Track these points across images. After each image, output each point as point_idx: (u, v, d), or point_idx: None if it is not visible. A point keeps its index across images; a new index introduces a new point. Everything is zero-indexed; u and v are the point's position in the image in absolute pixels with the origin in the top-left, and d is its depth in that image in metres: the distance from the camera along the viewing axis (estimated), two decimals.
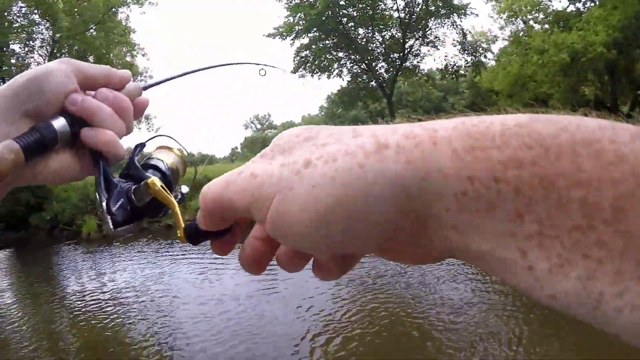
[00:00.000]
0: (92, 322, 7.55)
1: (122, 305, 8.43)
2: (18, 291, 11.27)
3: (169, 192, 0.54)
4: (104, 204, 0.56)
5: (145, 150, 0.68)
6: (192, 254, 12.88)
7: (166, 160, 0.65)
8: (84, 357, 6.56)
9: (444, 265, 8.22)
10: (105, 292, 9.42)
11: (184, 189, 0.68)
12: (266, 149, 0.38)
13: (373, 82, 20.64)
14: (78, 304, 8.76)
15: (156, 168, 0.62)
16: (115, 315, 7.84)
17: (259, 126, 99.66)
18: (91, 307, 8.43)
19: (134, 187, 0.56)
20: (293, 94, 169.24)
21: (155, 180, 0.53)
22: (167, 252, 13.62)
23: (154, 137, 0.71)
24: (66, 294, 9.91)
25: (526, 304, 5.95)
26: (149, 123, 24.29)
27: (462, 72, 21.93)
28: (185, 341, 6.43)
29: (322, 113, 65.75)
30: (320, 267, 0.41)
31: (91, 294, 9.33)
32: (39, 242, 17.70)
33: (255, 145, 77.89)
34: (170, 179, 0.63)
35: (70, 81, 0.57)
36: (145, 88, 0.71)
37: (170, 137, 0.70)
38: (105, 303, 8.58)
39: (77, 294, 9.62)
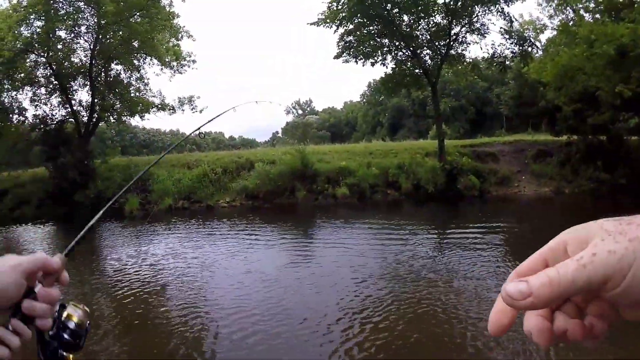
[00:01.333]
0: (133, 290, 8.17)
1: (160, 274, 9.19)
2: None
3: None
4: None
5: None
6: (229, 232, 13.60)
7: (74, 318, 0.96)
8: (123, 320, 7.03)
9: None
10: (145, 264, 10.22)
11: (78, 313, 0.97)
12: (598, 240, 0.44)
13: (417, 70, 20.60)
14: (119, 275, 9.48)
15: (68, 328, 0.94)
16: (154, 283, 8.55)
17: (300, 112, 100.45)
18: (131, 277, 9.11)
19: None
20: (335, 80, 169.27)
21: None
22: (205, 229, 14.36)
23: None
24: (108, 265, 10.80)
25: None
26: (192, 105, 24.87)
27: (508, 62, 21.52)
28: (218, 307, 7.04)
29: (364, 100, 65.62)
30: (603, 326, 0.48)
31: (132, 266, 10.12)
32: (84, 217, 18.63)
33: (296, 130, 78.40)
34: (79, 332, 0.95)
35: (21, 289, 0.82)
36: (67, 254, 1.03)
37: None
38: (145, 273, 9.32)
39: (119, 265, 10.45)
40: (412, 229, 12.17)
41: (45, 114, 23.30)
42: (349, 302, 6.81)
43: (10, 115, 23.33)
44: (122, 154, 41.21)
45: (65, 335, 0.93)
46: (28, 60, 20.88)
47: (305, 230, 13.70)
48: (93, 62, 22.14)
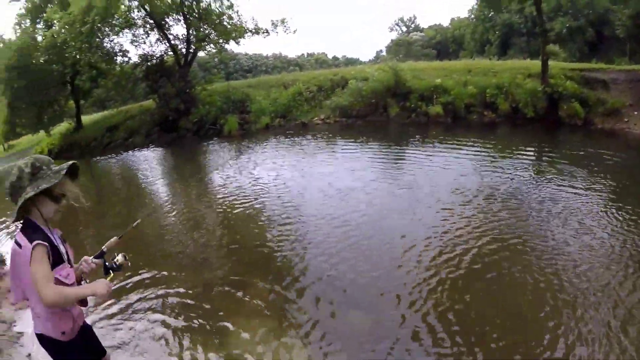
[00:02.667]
0: (234, 202, 9.42)
1: (258, 188, 10.33)
2: (173, 178, 14.19)
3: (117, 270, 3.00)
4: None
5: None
6: (321, 148, 14.85)
7: (117, 258, 3.02)
8: (229, 229, 8.27)
9: None
10: (243, 178, 11.52)
11: (120, 257, 3.00)
12: None
13: None
14: (221, 188, 10.99)
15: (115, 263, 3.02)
16: (253, 196, 9.68)
17: (404, 29, 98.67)
18: (233, 189, 10.47)
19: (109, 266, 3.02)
20: None
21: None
22: (300, 148, 15.47)
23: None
24: (211, 181, 12.39)
25: None
26: (285, 26, 26.01)
27: None
28: (309, 220, 7.83)
29: (472, 16, 62.76)
30: None
31: (233, 180, 11.54)
32: (188, 140, 21.28)
33: (400, 48, 77.63)
34: (115, 266, 2.99)
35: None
36: (120, 237, 3.26)
37: None
38: (244, 187, 10.55)
39: (221, 180, 11.99)
40: (507, 155, 12.18)
41: (145, 52, 25.65)
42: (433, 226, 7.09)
43: (115, 58, 26.05)
44: (226, 79, 44.09)
45: (112, 265, 2.97)
46: (122, 6, 22.70)
47: (395, 148, 14.26)
48: None
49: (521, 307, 4.83)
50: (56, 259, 2.62)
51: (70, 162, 2.73)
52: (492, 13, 41.04)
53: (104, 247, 3.05)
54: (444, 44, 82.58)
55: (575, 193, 8.49)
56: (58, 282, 2.58)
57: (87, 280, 2.93)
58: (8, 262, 7.44)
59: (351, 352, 4.29)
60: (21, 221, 2.64)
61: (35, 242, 2.49)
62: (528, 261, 5.76)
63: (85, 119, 31.79)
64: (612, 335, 4.19)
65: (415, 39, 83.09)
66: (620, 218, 7.08)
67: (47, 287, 2.45)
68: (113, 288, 2.78)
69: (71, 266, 2.81)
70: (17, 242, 2.58)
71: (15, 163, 2.81)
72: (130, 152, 20.80)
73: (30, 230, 2.57)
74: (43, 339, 2.77)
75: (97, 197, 12.39)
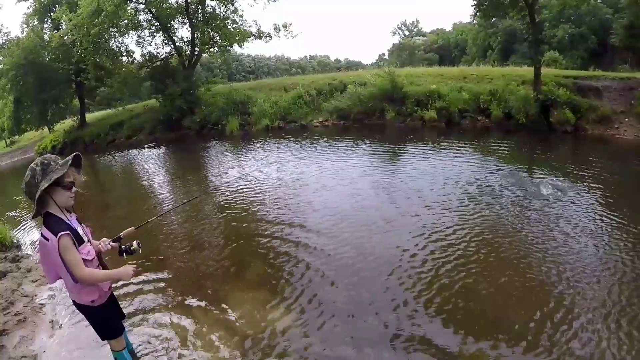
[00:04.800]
0: (234, 198, 10.08)
1: (258, 185, 10.96)
2: (175, 175, 14.93)
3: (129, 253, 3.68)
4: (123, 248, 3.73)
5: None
6: (319, 149, 15.44)
7: (133, 244, 3.69)
8: (220, 222, 8.73)
9: None
10: (244, 176, 12.21)
11: (135, 244, 3.67)
12: None
13: None
14: (221, 185, 11.67)
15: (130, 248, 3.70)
16: (252, 192, 10.33)
17: (406, 33, 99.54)
18: (233, 186, 11.14)
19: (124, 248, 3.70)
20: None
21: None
22: (297, 146, 16.22)
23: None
24: (212, 178, 13.18)
25: None
26: (287, 30, 26.87)
27: None
28: (307, 216, 8.31)
29: (474, 21, 63.47)
30: None
31: (234, 178, 12.25)
32: (191, 139, 22.23)
33: (402, 52, 78.27)
34: (130, 251, 3.67)
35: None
36: (137, 228, 4.05)
37: None
38: (244, 184, 11.19)
39: (221, 178, 12.77)
40: (496, 159, 12.65)
41: (150, 52, 26.75)
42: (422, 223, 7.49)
43: (120, 58, 27.11)
44: (229, 80, 44.85)
45: (127, 249, 3.65)
46: (129, 8, 23.51)
47: (390, 149, 14.88)
48: (188, 1, 24.71)
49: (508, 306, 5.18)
50: (78, 240, 3.13)
51: (74, 154, 3.19)
52: (494, 19, 41.34)
53: (121, 234, 3.76)
54: (447, 48, 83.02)
55: (562, 196, 8.92)
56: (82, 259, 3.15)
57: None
58: (24, 248, 8.29)
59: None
60: (40, 216, 3.10)
61: (60, 234, 2.96)
62: (516, 265, 6.07)
63: (90, 116, 32.73)
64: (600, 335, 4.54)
65: (417, 43, 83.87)
66: (608, 221, 7.49)
67: (81, 270, 3.06)
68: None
69: (90, 244, 3.37)
70: (43, 236, 3.07)
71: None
72: (133, 149, 21.65)
73: (52, 223, 3.04)
74: (77, 305, 3.42)
75: (102, 192, 13.09)
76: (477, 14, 21.48)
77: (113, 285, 3.79)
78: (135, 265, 3.41)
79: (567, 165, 11.90)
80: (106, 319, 3.55)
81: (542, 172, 10.97)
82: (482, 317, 4.94)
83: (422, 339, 4.52)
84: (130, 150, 21.57)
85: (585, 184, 9.80)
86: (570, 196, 8.89)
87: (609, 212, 7.93)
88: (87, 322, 3.63)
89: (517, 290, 5.42)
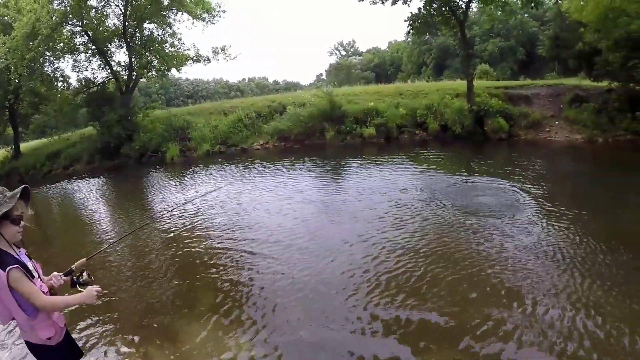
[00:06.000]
0: (178, 225, 10.04)
1: (200, 210, 10.99)
2: (115, 205, 14.62)
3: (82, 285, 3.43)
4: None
5: None
6: (261, 171, 15.47)
7: (83, 275, 3.49)
8: (166, 251, 8.48)
9: None
10: (187, 203, 12.10)
11: (85, 275, 3.49)
12: None
13: (444, 8, 20.64)
14: (164, 213, 11.56)
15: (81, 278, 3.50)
16: (197, 219, 10.30)
17: (343, 53, 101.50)
18: (176, 214, 11.01)
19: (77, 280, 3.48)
20: (378, 19, 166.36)
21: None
22: (238, 170, 16.28)
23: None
24: (154, 205, 13.07)
25: None
26: (225, 53, 26.87)
27: None
28: (253, 238, 8.41)
29: (408, 39, 65.51)
30: None
31: (176, 205, 12.15)
32: (130, 168, 21.74)
33: (340, 71, 79.64)
34: (81, 282, 3.45)
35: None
36: (88, 259, 3.75)
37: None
38: (187, 211, 11.11)
39: (163, 204, 12.65)
40: (434, 169, 13.19)
41: (86, 77, 26.00)
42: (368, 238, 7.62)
43: (55, 83, 26.17)
44: (167, 105, 44.06)
45: (78, 280, 3.44)
46: (65, 30, 23.02)
47: (331, 168, 15.19)
48: (126, 24, 24.24)
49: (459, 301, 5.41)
50: (27, 276, 2.94)
51: (23, 186, 3.02)
52: (428, 36, 42.74)
53: (72, 266, 3.55)
54: (383, 66, 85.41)
55: (502, 199, 9.42)
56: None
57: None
58: None
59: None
60: None
61: (8, 268, 2.81)
62: (460, 268, 6.27)
63: (25, 146, 31.29)
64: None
65: (354, 62, 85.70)
66: (550, 216, 8.05)
67: (40, 298, 2.92)
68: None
69: (41, 279, 3.19)
70: None
71: None
72: (71, 180, 20.79)
73: (0, 258, 2.87)
74: (32, 346, 3.20)
75: (43, 226, 12.66)
76: (411, 31, 22.19)
77: None
78: (98, 287, 3.24)
79: (503, 168, 12.67)
80: (62, 358, 3.35)
81: (480, 176, 11.61)
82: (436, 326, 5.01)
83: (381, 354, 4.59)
84: (68, 181, 20.79)
85: (521, 183, 10.51)
86: (508, 195, 9.54)
87: (547, 205, 8.66)
88: None
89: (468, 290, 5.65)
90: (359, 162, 15.26)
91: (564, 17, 22.62)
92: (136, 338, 5.36)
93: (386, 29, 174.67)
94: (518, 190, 9.91)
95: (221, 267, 7.17)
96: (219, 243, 8.36)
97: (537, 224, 7.68)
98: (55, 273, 3.45)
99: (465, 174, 12.33)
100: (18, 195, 2.94)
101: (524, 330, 4.67)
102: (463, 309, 5.20)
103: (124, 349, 5.17)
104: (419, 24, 21.25)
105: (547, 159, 14.37)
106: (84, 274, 3.51)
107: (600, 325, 4.65)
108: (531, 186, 10.21)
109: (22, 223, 3.03)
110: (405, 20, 21.24)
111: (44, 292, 3.03)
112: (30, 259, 3.19)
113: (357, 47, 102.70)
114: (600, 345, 4.35)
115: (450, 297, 5.46)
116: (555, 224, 7.64)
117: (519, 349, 4.40)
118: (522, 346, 4.43)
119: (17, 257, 2.98)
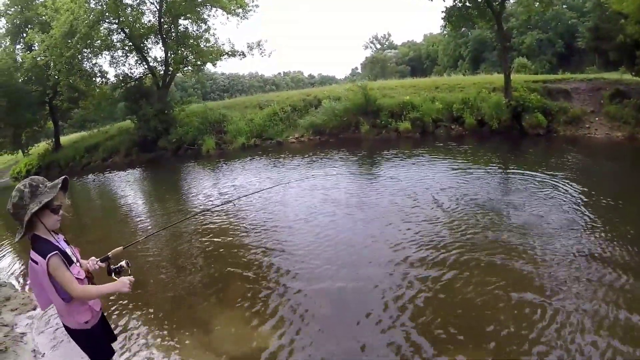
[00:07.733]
0: (213, 218, 10.17)
1: (238, 205, 10.98)
2: (151, 197, 15.01)
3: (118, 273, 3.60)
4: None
5: None
6: (296, 165, 15.60)
7: (122, 263, 3.64)
8: (203, 242, 8.67)
9: None
10: (221, 194, 12.34)
11: (123, 263, 3.64)
12: None
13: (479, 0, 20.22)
14: (200, 206, 11.73)
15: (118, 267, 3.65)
16: (232, 212, 10.45)
17: (378, 46, 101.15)
18: (211, 206, 11.22)
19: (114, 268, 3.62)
20: (414, 12, 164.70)
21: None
22: (276, 165, 16.32)
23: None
24: (187, 199, 13.23)
25: None
26: (261, 48, 27.06)
27: None
28: (288, 234, 8.36)
29: (444, 32, 64.66)
30: None
31: (211, 196, 12.36)
32: (167, 160, 22.30)
33: (375, 65, 79.32)
34: (119, 270, 3.60)
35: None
36: (125, 247, 3.91)
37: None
38: (224, 206, 11.11)
39: (199, 197, 12.81)
40: (471, 165, 12.80)
41: (124, 73, 26.77)
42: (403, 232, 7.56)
43: (93, 79, 27.08)
44: (203, 99, 44.63)
45: (116, 269, 3.58)
46: (102, 28, 23.70)
47: (365, 162, 15.07)
48: (161, 20, 24.86)
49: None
50: (68, 261, 3.10)
51: (63, 177, 3.16)
52: (464, 29, 42.04)
53: (109, 253, 3.67)
54: (418, 60, 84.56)
55: (539, 198, 9.09)
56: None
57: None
58: (1, 275, 8.18)
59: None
60: (28, 237, 3.06)
61: (48, 256, 2.95)
62: (495, 263, 6.15)
63: (65, 139, 32.46)
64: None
65: (389, 56, 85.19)
66: (586, 218, 7.66)
67: (74, 287, 3.05)
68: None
69: (80, 264, 3.35)
70: (32, 260, 3.03)
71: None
72: (109, 172, 21.55)
73: (40, 246, 3.01)
74: (70, 330, 3.35)
75: (80, 215, 12.99)
76: (447, 25, 21.87)
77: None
78: (132, 277, 3.37)
79: (541, 166, 12.15)
80: (99, 341, 3.53)
81: (518, 174, 11.25)
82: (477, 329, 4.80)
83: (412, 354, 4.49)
84: (106, 173, 21.42)
85: (561, 182, 10.08)
86: (546, 195, 9.15)
87: (585, 208, 8.21)
88: (69, 351, 3.60)
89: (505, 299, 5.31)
90: (399, 156, 15.12)
91: (603, 7, 21.92)
92: (166, 324, 5.50)
93: (422, 21, 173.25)
94: (567, 193, 9.36)
95: (255, 261, 7.16)
96: (254, 238, 8.33)
97: (585, 227, 7.24)
98: (92, 258, 3.61)
99: (507, 172, 11.94)
100: (59, 186, 3.10)
101: None
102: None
103: (155, 334, 5.30)
104: (455, 17, 20.95)
105: (589, 158, 13.82)
106: (123, 262, 3.64)
107: None
108: (575, 184, 9.80)
109: (61, 212, 3.18)
110: (442, 12, 20.94)
111: (80, 278, 3.19)
112: (68, 244, 3.34)
113: (392, 41, 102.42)
114: None
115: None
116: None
117: None
118: None
119: (57, 243, 3.12)
